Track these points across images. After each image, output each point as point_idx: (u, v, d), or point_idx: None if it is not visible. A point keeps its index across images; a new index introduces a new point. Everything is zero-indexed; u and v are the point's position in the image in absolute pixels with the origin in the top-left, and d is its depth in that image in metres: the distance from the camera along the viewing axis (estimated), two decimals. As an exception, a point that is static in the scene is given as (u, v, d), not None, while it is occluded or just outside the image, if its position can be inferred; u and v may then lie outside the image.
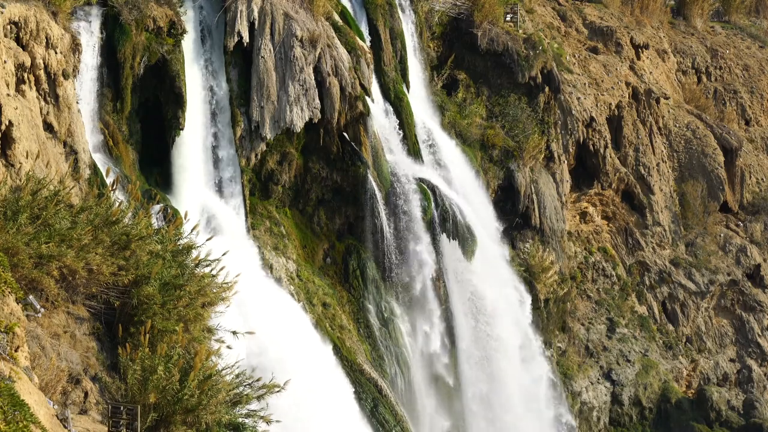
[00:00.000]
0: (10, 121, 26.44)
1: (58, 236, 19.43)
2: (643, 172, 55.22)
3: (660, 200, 55.99)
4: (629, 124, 55.46)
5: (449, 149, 45.93)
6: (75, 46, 31.92)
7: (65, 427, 16.20)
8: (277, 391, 20.15)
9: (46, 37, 29.54)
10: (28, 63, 28.72)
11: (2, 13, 27.88)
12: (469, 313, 43.52)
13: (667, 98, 58.89)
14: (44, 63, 29.54)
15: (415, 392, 41.25)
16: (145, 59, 35.20)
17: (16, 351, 15.74)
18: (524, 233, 48.25)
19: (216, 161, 37.81)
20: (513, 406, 44.52)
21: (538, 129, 49.17)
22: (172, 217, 32.12)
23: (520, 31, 50.96)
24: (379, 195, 40.43)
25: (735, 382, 55.22)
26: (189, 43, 37.08)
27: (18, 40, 28.80)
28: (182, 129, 36.00)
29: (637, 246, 55.12)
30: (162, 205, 33.04)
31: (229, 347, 21.57)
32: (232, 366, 20.03)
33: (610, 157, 53.70)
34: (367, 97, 40.53)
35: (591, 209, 54.35)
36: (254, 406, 20.12)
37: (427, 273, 41.77)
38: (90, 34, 33.91)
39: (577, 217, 53.94)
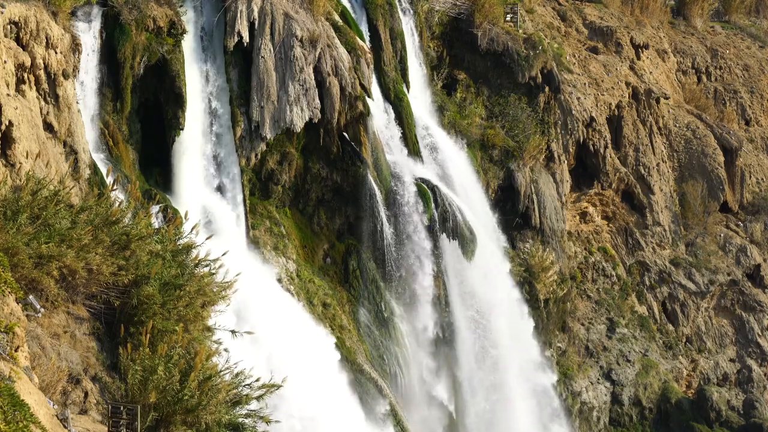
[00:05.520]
0: (10, 121, 26.45)
1: (58, 236, 19.45)
2: (643, 172, 55.22)
3: (660, 200, 55.99)
4: (629, 124, 55.45)
5: (449, 149, 45.92)
6: (75, 46, 31.92)
7: (65, 427, 16.21)
8: (276, 390, 20.18)
9: (46, 37, 29.55)
10: (28, 63, 28.72)
11: (2, 13, 27.89)
12: (469, 313, 43.51)
13: (667, 98, 58.88)
14: (44, 63, 29.55)
15: (415, 391, 41.28)
16: (145, 59, 35.19)
17: (16, 351, 15.75)
18: (524, 233, 48.24)
19: (216, 161, 37.82)
20: (512, 403, 44.54)
21: (538, 129, 49.16)
22: (172, 217, 32.14)
23: (520, 31, 50.94)
24: (379, 195, 40.43)
25: (735, 382, 55.22)
26: (189, 43, 37.07)
27: (18, 40, 28.80)
28: (182, 129, 36.00)
29: (637, 246, 55.12)
30: (162, 205, 33.05)
31: (226, 350, 21.59)
32: (232, 365, 20.06)
33: (610, 157, 53.69)
34: (367, 97, 40.54)
35: (591, 209, 54.35)
36: (254, 406, 20.15)
37: (426, 273, 41.78)
38: (90, 34, 33.90)
39: (577, 217, 53.94)
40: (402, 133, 43.61)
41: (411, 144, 43.78)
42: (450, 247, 42.39)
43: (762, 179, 61.86)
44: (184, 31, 36.32)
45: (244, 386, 20.07)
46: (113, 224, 20.86)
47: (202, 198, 36.71)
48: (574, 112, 51.59)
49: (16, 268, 18.35)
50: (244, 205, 38.13)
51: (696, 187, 57.59)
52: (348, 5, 43.44)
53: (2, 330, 15.47)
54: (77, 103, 31.77)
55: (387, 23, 44.13)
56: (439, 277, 42.24)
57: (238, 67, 38.17)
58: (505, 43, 48.93)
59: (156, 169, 36.37)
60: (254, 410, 20.05)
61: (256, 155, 38.45)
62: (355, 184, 40.44)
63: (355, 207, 40.80)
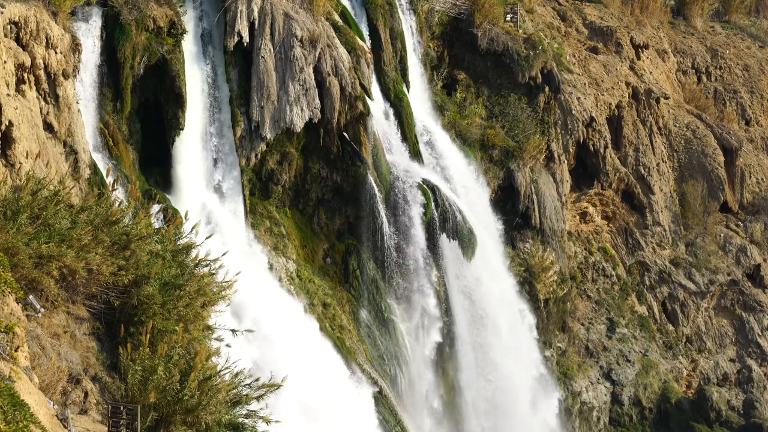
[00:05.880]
0: (10, 121, 26.44)
1: (58, 236, 19.45)
2: (643, 172, 55.22)
3: (660, 200, 55.99)
4: (629, 124, 55.45)
5: (449, 149, 45.93)
6: (75, 46, 31.89)
7: (65, 427, 16.22)
8: (276, 389, 20.18)
9: (46, 37, 29.54)
10: (28, 63, 28.71)
11: (2, 13, 27.89)
12: (469, 313, 43.52)
13: (667, 98, 58.88)
14: (44, 63, 29.53)
15: (414, 392, 41.28)
16: (145, 59, 35.19)
17: (16, 351, 15.75)
18: (524, 233, 48.24)
19: (216, 161, 37.81)
20: (513, 402, 44.53)
21: (538, 129, 49.16)
22: (172, 217, 32.14)
23: (520, 31, 50.94)
24: (378, 195, 40.43)
25: (735, 382, 55.22)
26: (189, 43, 37.07)
27: (18, 40, 28.79)
28: (182, 129, 36.00)
29: (637, 246, 55.12)
30: (162, 205, 33.04)
31: (228, 345, 21.59)
32: (231, 365, 20.07)
33: (610, 157, 53.69)
34: (367, 97, 40.53)
35: (591, 209, 54.35)
36: (254, 406, 20.16)
37: (426, 273, 41.77)
38: (90, 34, 33.90)
39: (577, 217, 53.94)
40: (402, 133, 43.61)
41: (411, 144, 43.79)
42: (450, 246, 42.38)
43: (762, 179, 61.86)
44: (184, 31, 36.32)
45: (244, 386, 20.08)
46: (113, 224, 20.87)
47: (202, 198, 36.71)
48: (574, 112, 51.59)
49: (16, 268, 18.36)
50: (244, 205, 38.13)
51: (696, 187, 57.59)
52: (348, 5, 43.44)
53: (2, 330, 15.48)
54: (77, 103, 31.76)
55: (387, 23, 44.13)
56: (439, 276, 42.20)
57: (238, 67, 38.17)
58: (505, 43, 48.93)
59: (156, 169, 36.37)
60: (254, 410, 20.06)
61: (256, 155, 38.45)
62: (355, 184, 40.44)
63: (355, 207, 40.80)
